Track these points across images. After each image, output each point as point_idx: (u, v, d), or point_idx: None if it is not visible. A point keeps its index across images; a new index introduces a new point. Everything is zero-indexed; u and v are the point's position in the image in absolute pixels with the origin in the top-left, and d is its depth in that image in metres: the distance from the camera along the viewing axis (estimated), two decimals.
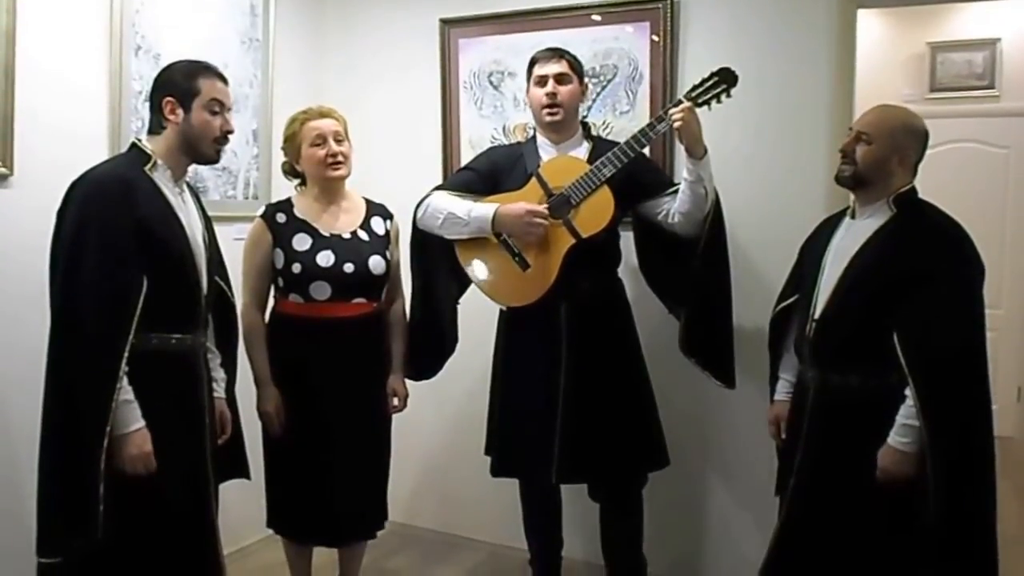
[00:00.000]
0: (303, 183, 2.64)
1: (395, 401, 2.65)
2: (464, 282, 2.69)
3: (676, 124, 2.38)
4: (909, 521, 2.00)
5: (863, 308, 2.06)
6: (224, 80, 2.13)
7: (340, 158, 2.53)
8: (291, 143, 2.58)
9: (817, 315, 2.14)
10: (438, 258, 2.66)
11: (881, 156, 2.08)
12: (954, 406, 1.95)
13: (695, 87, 2.45)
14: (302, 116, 2.57)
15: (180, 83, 2.05)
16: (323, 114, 2.57)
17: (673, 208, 2.51)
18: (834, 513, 2.11)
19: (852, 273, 2.09)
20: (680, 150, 2.51)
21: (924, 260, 2.00)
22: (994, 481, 2.01)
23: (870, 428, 2.04)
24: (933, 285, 1.97)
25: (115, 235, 1.91)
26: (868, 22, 4.45)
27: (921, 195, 2.15)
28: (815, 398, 2.15)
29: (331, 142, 2.52)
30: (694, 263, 2.51)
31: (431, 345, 2.70)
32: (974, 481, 1.97)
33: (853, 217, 2.19)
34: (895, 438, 2.00)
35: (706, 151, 2.43)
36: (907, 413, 1.98)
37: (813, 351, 2.16)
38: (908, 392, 1.97)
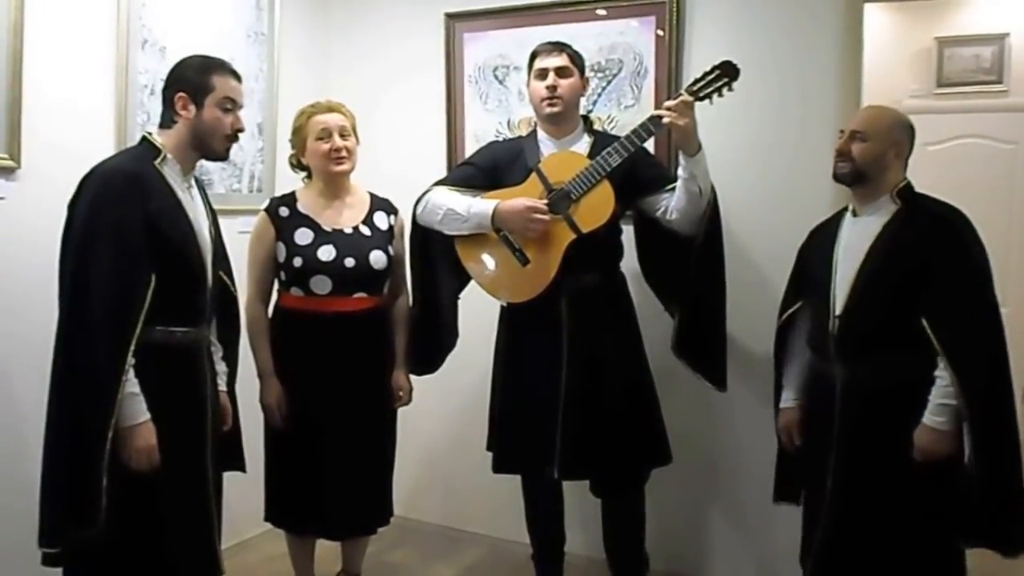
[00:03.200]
0: (309, 176, 2.65)
1: (400, 395, 2.66)
2: (465, 278, 2.68)
3: (665, 119, 2.36)
4: (950, 497, 2.06)
5: (888, 299, 2.11)
6: (238, 78, 2.12)
7: (344, 153, 2.54)
8: (297, 136, 2.60)
9: (839, 311, 2.17)
10: (439, 254, 2.66)
11: (879, 151, 2.16)
12: (989, 382, 2.04)
13: (696, 81, 2.43)
14: (310, 110, 2.58)
15: (193, 79, 2.05)
16: (331, 108, 2.57)
17: (671, 205, 2.50)
18: (880, 503, 2.14)
19: (871, 267, 2.14)
20: None
21: (939, 248, 2.08)
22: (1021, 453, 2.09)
23: (903, 413, 2.09)
24: (952, 270, 2.05)
25: (125, 229, 1.91)
26: (875, 17, 4.41)
27: (927, 191, 2.21)
28: (844, 393, 2.17)
29: (336, 137, 2.53)
30: (690, 262, 2.50)
31: (431, 340, 2.70)
32: (1014, 453, 2.05)
33: (855, 215, 2.24)
34: (930, 418, 2.05)
35: (700, 148, 2.40)
36: (941, 393, 2.04)
37: (839, 347, 2.18)
38: (941, 373, 2.03)
